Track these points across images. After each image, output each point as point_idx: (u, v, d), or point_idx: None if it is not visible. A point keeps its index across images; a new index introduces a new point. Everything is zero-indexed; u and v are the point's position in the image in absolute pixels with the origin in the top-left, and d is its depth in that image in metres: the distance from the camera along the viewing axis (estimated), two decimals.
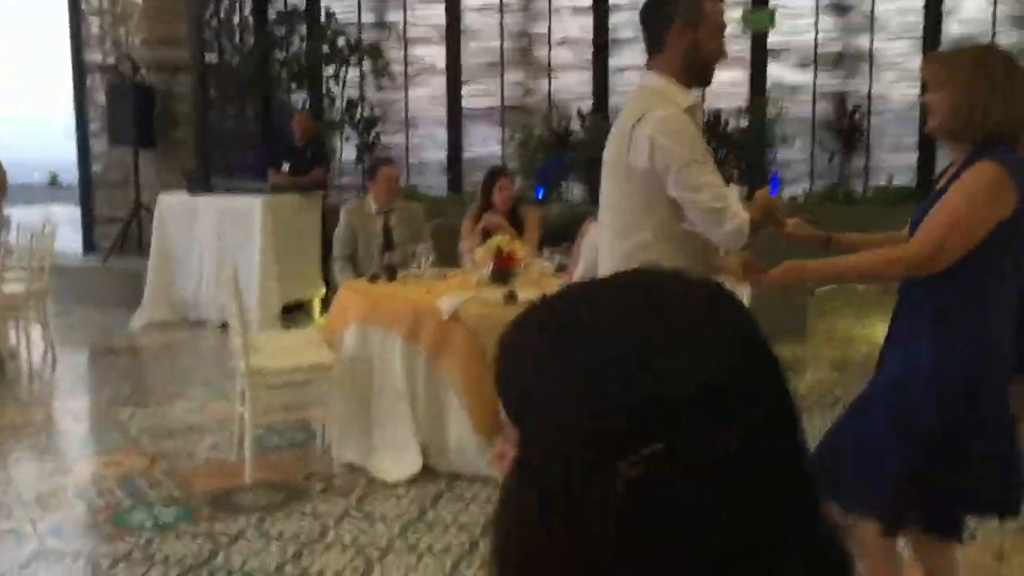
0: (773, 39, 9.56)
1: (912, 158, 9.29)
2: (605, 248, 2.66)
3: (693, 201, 2.42)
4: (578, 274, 4.32)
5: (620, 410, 0.68)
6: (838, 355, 6.69)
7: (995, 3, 8.94)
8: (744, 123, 9.39)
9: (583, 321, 0.73)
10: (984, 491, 2.41)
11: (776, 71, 9.67)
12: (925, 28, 8.98)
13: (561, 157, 9.54)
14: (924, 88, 2.55)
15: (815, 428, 4.87)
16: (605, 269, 2.56)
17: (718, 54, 2.58)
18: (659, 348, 0.69)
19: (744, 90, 9.67)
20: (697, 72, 2.56)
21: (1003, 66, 2.37)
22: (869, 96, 9.27)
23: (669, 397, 0.67)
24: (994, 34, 8.89)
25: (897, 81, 9.26)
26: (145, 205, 9.53)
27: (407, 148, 10.63)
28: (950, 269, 2.32)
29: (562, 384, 0.71)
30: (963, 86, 2.34)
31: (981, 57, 2.40)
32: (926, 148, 8.80)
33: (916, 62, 9.04)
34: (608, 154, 2.67)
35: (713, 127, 9.40)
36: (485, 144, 10.54)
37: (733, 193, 2.51)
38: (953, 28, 9.10)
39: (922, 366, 2.39)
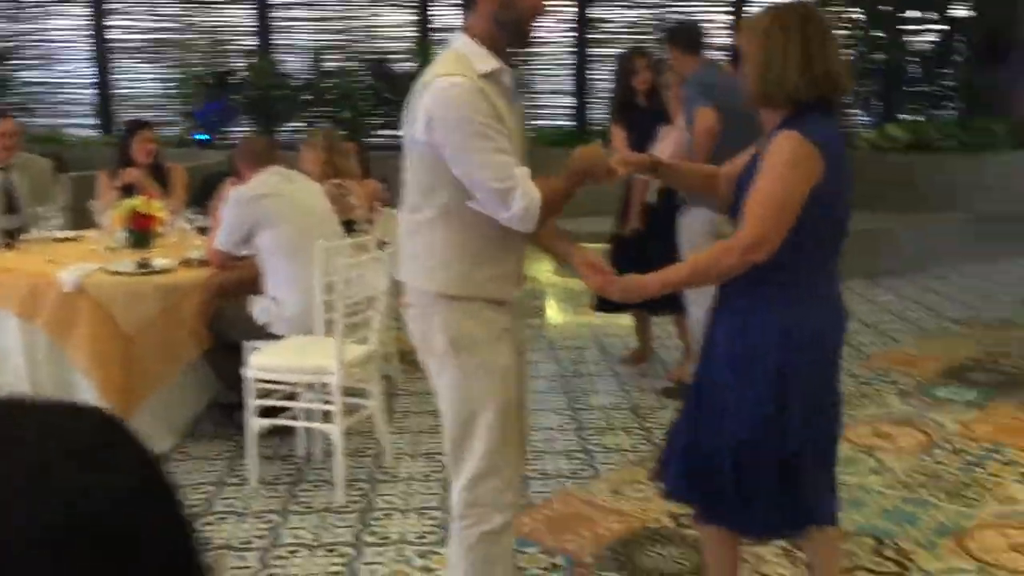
0: None
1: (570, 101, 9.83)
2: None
3: (473, 181, 2.17)
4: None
5: None
6: None
7: None
8: (412, 67, 9.36)
9: None
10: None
11: (440, 14, 9.70)
12: None
13: (222, 99, 9.01)
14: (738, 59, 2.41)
15: None
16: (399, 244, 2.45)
17: (534, 9, 2.26)
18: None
19: (410, 32, 9.63)
20: (510, 31, 2.24)
21: (799, 25, 2.23)
22: None
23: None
24: None
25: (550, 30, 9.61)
26: None
27: (45, 86, 9.56)
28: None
29: None
30: (758, 52, 2.25)
31: (774, 20, 2.26)
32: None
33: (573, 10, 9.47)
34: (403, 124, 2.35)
35: (381, 69, 9.31)
36: (139, 82, 9.72)
37: (524, 171, 2.21)
38: None
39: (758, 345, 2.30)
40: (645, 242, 4.61)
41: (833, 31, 2.32)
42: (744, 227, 2.22)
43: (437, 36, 9.50)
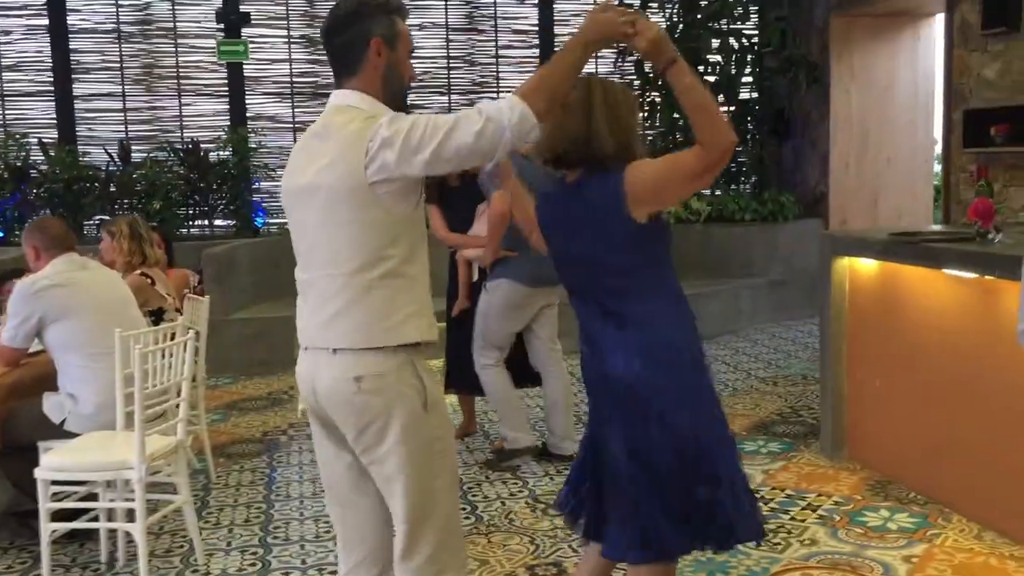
0: (249, 70, 9.53)
1: None
2: (323, 287, 2.21)
3: (448, 148, 2.08)
4: None
5: None
6: None
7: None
8: (226, 154, 9.23)
9: None
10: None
11: (255, 102, 9.64)
12: None
13: (17, 193, 8.55)
14: None
15: (310, 456, 4.85)
16: (329, 312, 2.19)
17: (410, 78, 2.33)
18: None
19: (224, 121, 9.51)
20: (394, 96, 2.28)
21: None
22: None
23: None
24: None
25: None
26: None
27: None
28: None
29: None
30: (587, 116, 2.39)
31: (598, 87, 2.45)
32: None
33: None
34: (319, 179, 2.19)
35: (194, 158, 9.12)
36: None
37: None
38: None
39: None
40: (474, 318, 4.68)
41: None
42: (701, 152, 2.24)
43: (251, 124, 9.43)
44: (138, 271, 4.63)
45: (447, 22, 9.83)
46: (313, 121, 2.37)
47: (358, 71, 2.26)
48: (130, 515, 3.48)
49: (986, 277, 3.59)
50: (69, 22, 9.26)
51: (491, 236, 4.43)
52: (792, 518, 3.90)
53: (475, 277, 4.82)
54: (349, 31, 2.25)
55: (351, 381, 2.17)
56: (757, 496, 4.12)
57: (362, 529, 2.34)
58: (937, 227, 6.99)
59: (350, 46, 2.26)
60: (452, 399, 5.27)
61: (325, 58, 2.47)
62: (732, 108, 9.41)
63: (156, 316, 4.54)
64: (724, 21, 9.10)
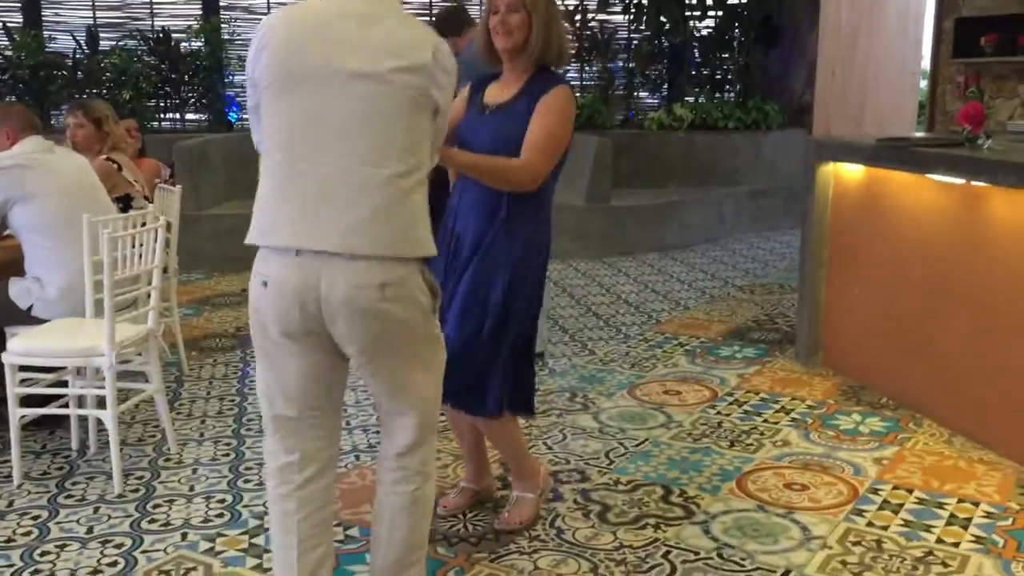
0: None
1: None
2: (341, 186, 2.04)
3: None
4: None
5: None
6: None
7: None
8: (198, 45, 8.93)
9: None
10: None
11: None
12: None
13: None
14: (494, 8, 2.72)
15: None
16: (358, 215, 2.03)
17: None
18: None
19: (196, 10, 9.17)
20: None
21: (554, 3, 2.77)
22: None
23: None
24: None
25: None
26: None
27: None
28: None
29: None
30: (543, 13, 2.69)
31: None
32: None
33: None
34: (372, 68, 2.05)
35: (164, 47, 8.82)
36: None
37: None
38: None
39: (502, 266, 2.70)
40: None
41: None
42: (532, 157, 2.65)
43: (224, 15, 9.10)
44: (103, 156, 4.48)
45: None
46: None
47: None
48: (101, 402, 3.43)
49: (973, 183, 3.55)
50: None
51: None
52: (765, 420, 3.93)
53: None
54: None
55: (376, 288, 2.04)
56: (731, 399, 4.17)
57: (323, 440, 2.26)
58: (924, 134, 6.92)
59: None
60: None
61: None
62: (719, 13, 9.21)
63: (123, 203, 4.40)
64: None
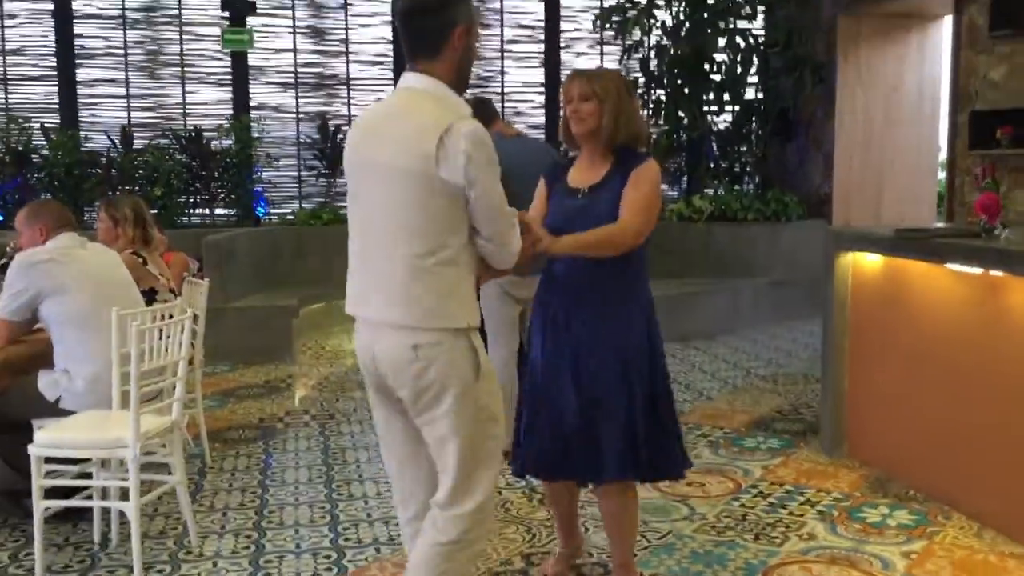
0: (254, 59, 9.51)
1: None
2: (382, 263, 2.35)
3: (494, 218, 2.34)
4: None
5: None
6: (326, 371, 6.77)
7: None
8: (228, 143, 9.20)
9: None
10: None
11: (259, 91, 9.61)
12: (395, 56, 9.53)
13: (18, 177, 8.52)
14: (568, 97, 2.98)
15: (306, 444, 4.88)
16: (388, 292, 2.35)
17: (475, 61, 2.52)
18: None
19: (227, 109, 9.48)
20: (462, 81, 2.44)
21: (630, 89, 3.03)
22: (349, 119, 9.60)
23: None
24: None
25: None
26: None
27: None
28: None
29: None
30: (613, 102, 2.92)
31: (623, 79, 3.05)
32: None
33: (387, 86, 9.58)
34: (392, 160, 2.31)
35: (196, 145, 9.09)
36: None
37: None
38: None
39: (636, 333, 3.02)
40: None
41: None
42: (632, 218, 2.90)
43: (254, 113, 9.40)
44: (129, 250, 4.60)
45: None
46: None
47: (438, 55, 2.36)
48: (124, 494, 3.45)
49: (991, 273, 3.57)
50: (73, 6, 9.24)
51: None
52: (791, 513, 3.87)
53: None
54: (436, 15, 2.36)
55: (409, 349, 2.32)
56: (756, 491, 4.11)
57: (417, 485, 2.54)
58: (942, 224, 6.95)
59: (435, 30, 2.36)
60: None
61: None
62: (736, 107, 9.39)
63: (148, 296, 4.50)
64: (731, 19, 9.07)
